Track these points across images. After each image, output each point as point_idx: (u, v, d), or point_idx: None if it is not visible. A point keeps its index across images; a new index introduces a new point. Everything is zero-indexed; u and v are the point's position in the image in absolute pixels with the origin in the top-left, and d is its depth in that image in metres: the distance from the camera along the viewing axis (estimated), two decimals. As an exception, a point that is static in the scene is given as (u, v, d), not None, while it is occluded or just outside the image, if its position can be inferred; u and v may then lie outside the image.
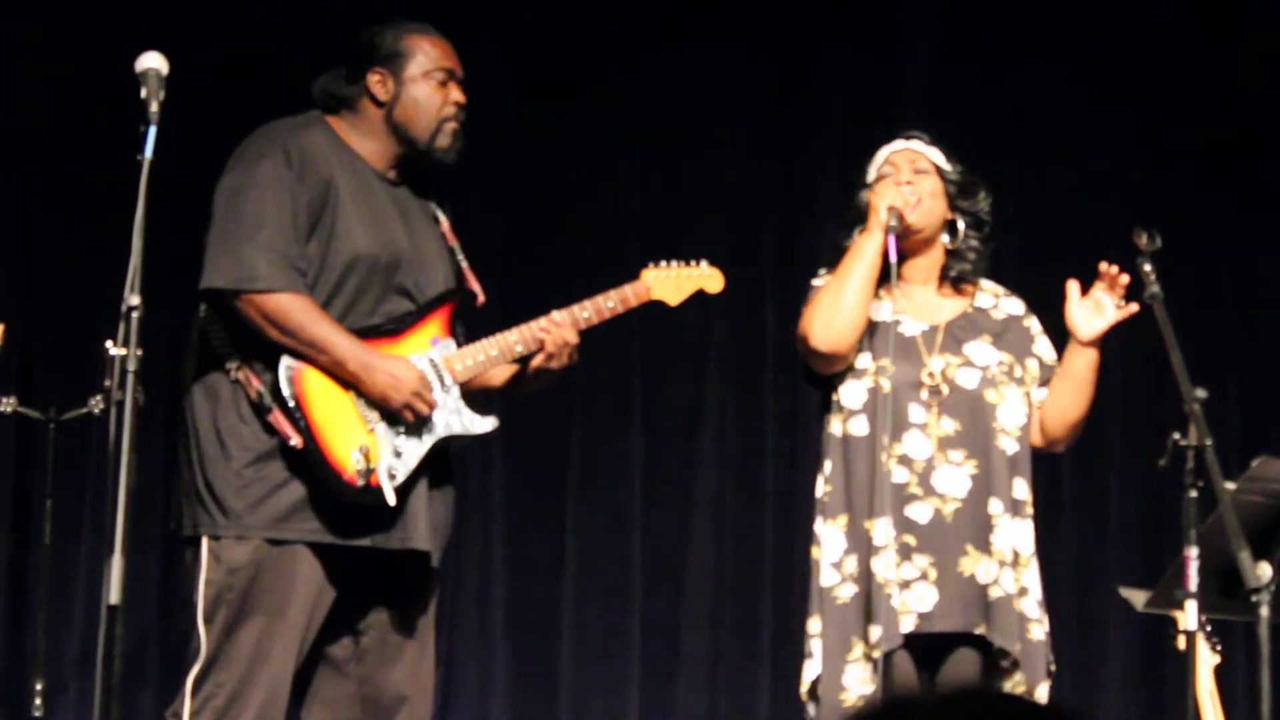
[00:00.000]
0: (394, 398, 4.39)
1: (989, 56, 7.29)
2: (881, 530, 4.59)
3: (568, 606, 7.12)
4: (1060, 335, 4.82)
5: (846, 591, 4.61)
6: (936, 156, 4.81)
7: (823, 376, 4.75)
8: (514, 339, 4.57)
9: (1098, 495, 7.20)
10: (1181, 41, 7.26)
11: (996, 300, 4.84)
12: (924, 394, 4.66)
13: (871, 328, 4.71)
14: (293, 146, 4.43)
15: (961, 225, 4.79)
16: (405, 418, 4.41)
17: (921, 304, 4.78)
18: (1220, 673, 5.20)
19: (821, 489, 4.72)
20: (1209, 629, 5.09)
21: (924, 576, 4.57)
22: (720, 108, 7.32)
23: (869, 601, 4.58)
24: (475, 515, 7.15)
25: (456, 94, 4.59)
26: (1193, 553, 4.30)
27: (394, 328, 4.48)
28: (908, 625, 4.56)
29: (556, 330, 4.55)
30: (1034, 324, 4.85)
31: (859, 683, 4.56)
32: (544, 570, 7.16)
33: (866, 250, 4.69)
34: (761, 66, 7.35)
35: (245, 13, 6.98)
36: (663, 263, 4.80)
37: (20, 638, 6.85)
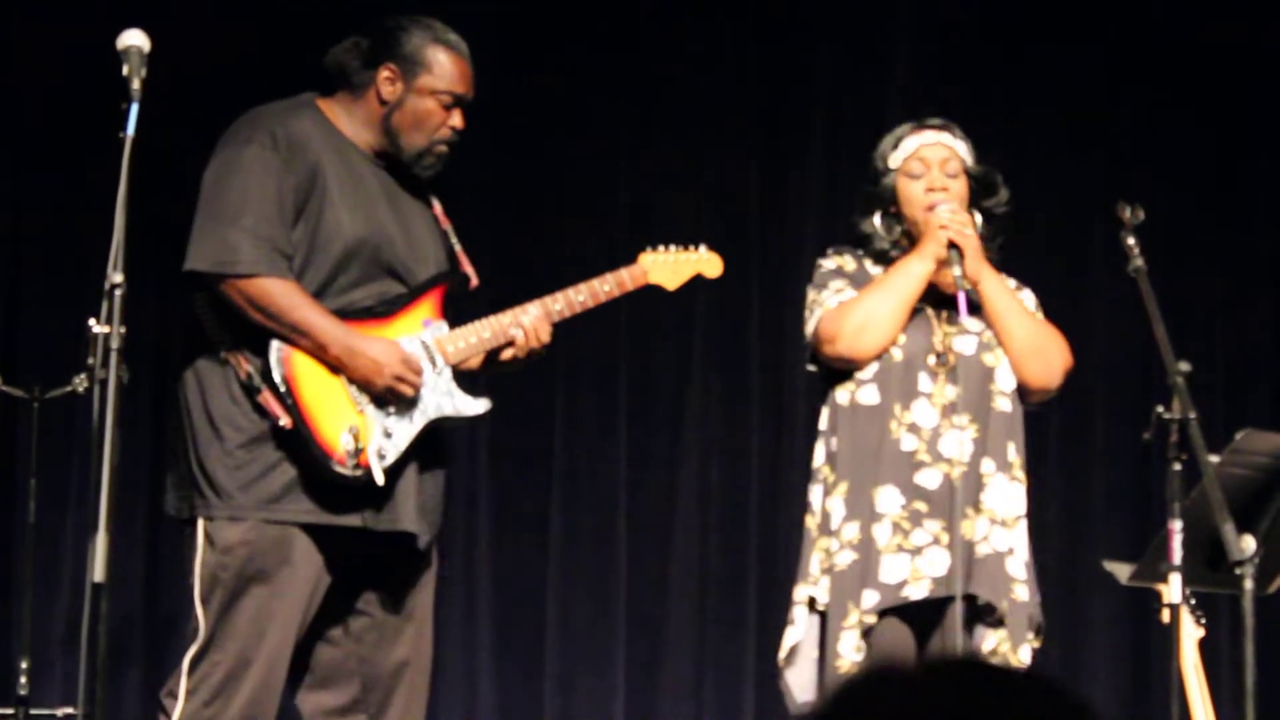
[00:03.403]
0: (377, 382, 4.39)
1: (972, 43, 7.29)
2: (885, 498, 4.61)
3: (553, 592, 7.11)
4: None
5: (845, 559, 4.62)
6: (964, 152, 4.79)
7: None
8: (508, 321, 4.57)
9: (1082, 468, 7.21)
10: (1168, 19, 7.26)
11: None
12: (932, 360, 4.67)
13: None
14: (279, 131, 4.42)
15: (979, 220, 4.79)
16: (388, 400, 4.41)
17: (935, 282, 4.77)
18: (1204, 646, 5.21)
19: (821, 457, 4.73)
20: (1193, 602, 5.10)
21: (936, 541, 4.60)
22: (705, 98, 7.31)
23: (865, 568, 4.60)
24: (460, 501, 7.14)
25: (457, 119, 4.57)
26: (1177, 526, 4.31)
27: (385, 310, 4.48)
28: (922, 590, 4.58)
29: (531, 329, 4.55)
30: (1025, 294, 4.86)
31: (852, 649, 4.58)
32: (529, 555, 7.15)
33: (916, 274, 4.69)
34: (746, 58, 7.33)
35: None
36: (660, 247, 4.79)
37: (5, 617, 6.84)
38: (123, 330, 4.01)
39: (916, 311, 4.72)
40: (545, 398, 7.16)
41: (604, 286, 4.65)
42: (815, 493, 4.72)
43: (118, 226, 4.03)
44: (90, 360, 4.02)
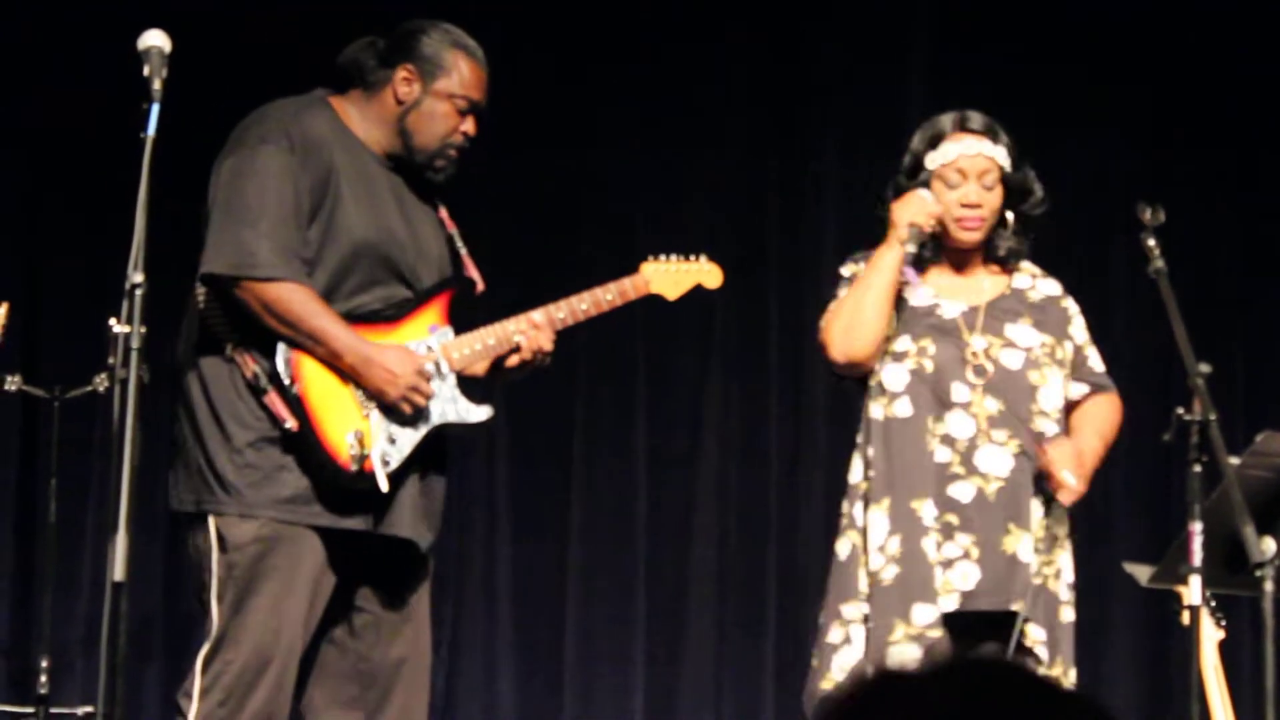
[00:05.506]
0: (390, 392, 4.39)
1: (989, 40, 7.28)
2: (928, 510, 4.58)
3: (572, 597, 7.12)
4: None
5: (890, 574, 4.57)
6: (1003, 159, 4.73)
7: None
8: (512, 329, 4.58)
9: (1102, 469, 7.18)
10: (1183, 15, 7.25)
11: (1034, 281, 4.81)
12: (969, 373, 4.64)
13: (910, 312, 4.70)
14: (295, 130, 4.42)
15: (1010, 218, 4.76)
16: (403, 410, 4.42)
17: (961, 285, 4.75)
18: (1225, 648, 5.19)
19: (859, 474, 4.68)
20: (1213, 604, 5.08)
21: (966, 555, 4.56)
22: (721, 98, 7.31)
23: (918, 581, 4.56)
24: (480, 506, 7.15)
25: (470, 125, 4.59)
26: (1197, 528, 4.30)
27: (393, 314, 4.49)
28: (951, 604, 4.54)
29: (534, 335, 4.57)
30: (1071, 304, 4.82)
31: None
32: (549, 561, 7.16)
33: (886, 264, 4.67)
34: (761, 57, 7.33)
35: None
36: (662, 256, 4.82)
37: (26, 616, 6.86)
38: (143, 330, 4.02)
39: (945, 323, 4.69)
40: (564, 400, 7.16)
41: (607, 295, 4.68)
42: (856, 509, 4.66)
43: (138, 226, 4.03)
44: (111, 360, 4.04)
